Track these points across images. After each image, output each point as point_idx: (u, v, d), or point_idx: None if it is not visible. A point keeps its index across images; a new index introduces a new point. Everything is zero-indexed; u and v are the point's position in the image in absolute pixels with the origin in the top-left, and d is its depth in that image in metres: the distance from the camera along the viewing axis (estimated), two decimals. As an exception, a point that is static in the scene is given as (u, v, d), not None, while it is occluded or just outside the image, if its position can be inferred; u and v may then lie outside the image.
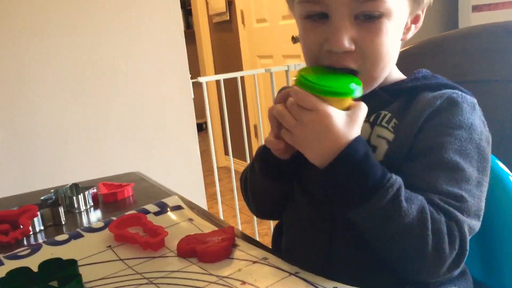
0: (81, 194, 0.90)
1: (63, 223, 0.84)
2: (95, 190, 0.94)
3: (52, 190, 0.93)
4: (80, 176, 1.73)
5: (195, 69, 4.37)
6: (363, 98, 0.63)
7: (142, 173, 1.13)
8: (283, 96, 0.60)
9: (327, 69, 0.60)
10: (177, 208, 0.81)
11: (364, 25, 0.59)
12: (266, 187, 0.70)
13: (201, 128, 5.44)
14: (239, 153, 3.23)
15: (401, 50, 1.03)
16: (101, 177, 1.13)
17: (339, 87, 0.56)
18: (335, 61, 0.60)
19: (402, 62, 1.02)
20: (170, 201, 0.84)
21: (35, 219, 0.81)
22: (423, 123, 0.60)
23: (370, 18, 0.59)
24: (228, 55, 4.00)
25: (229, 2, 3.78)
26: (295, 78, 0.58)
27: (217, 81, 2.30)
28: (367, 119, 0.62)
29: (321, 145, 0.56)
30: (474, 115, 0.61)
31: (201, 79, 2.09)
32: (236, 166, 3.84)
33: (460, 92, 0.63)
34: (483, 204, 0.60)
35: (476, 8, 2.34)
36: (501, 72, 0.88)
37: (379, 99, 0.65)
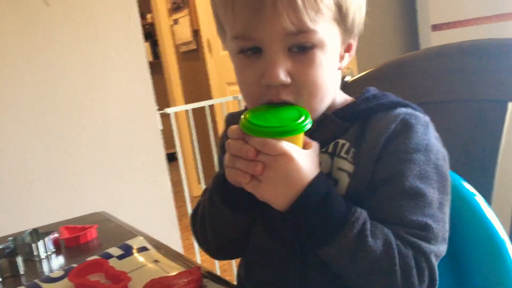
0: (41, 240, 0.86)
1: (22, 273, 0.80)
2: (56, 235, 0.90)
3: (10, 238, 0.89)
4: (42, 219, 1.67)
5: (164, 99, 4.35)
6: (319, 125, 0.64)
7: (107, 212, 1.09)
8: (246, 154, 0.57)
9: (267, 108, 0.60)
10: (142, 249, 0.79)
11: (298, 57, 0.59)
12: (230, 220, 0.67)
13: (174, 157, 5.39)
14: (212, 182, 3.18)
15: (361, 74, 1.04)
16: (65, 219, 1.09)
17: (291, 124, 0.56)
18: (273, 96, 0.59)
19: (363, 87, 1.03)
20: (135, 242, 0.81)
21: (-9, 272, 0.77)
22: (381, 151, 0.60)
23: (303, 50, 0.59)
24: (197, 84, 4.00)
25: (195, 31, 3.80)
26: (241, 125, 0.57)
27: (186, 111, 2.29)
28: (325, 149, 0.62)
29: (287, 187, 0.55)
30: (429, 135, 0.62)
31: (169, 110, 2.07)
32: (211, 194, 3.79)
33: (412, 112, 0.63)
34: (447, 226, 0.61)
35: (436, 27, 2.41)
36: (459, 92, 0.89)
37: (334, 125, 0.64)
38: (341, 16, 0.61)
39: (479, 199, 0.74)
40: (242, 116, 0.58)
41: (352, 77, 1.06)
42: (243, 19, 0.58)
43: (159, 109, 2.04)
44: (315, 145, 0.59)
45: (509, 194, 0.83)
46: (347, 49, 0.68)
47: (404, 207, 0.57)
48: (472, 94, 0.87)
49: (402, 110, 0.62)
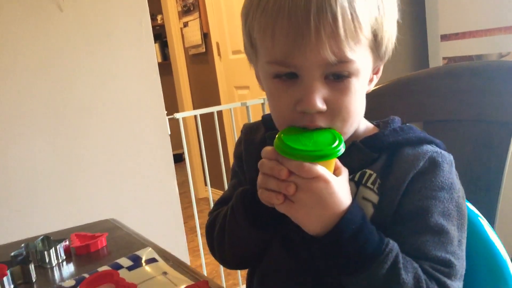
0: (53, 248, 0.88)
1: (34, 281, 0.82)
2: (67, 243, 0.92)
3: (22, 245, 0.91)
4: (53, 220, 1.71)
5: (172, 100, 4.38)
6: (346, 152, 0.63)
7: (116, 219, 1.11)
8: (278, 173, 0.57)
9: (301, 130, 0.60)
10: (151, 261, 0.80)
11: (334, 85, 0.60)
12: (251, 237, 0.67)
13: (181, 158, 5.42)
14: (218, 184, 3.21)
15: (371, 90, 1.06)
16: (76, 221, 1.12)
17: (327, 149, 0.57)
18: (308, 121, 0.60)
19: (372, 102, 1.04)
20: (144, 253, 0.83)
21: (5, 279, 0.79)
22: (407, 186, 0.61)
23: (339, 78, 0.59)
24: (205, 86, 4.02)
25: (205, 35, 3.82)
26: (276, 147, 0.57)
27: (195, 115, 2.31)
28: (352, 177, 0.63)
29: (321, 211, 0.56)
30: (452, 174, 0.64)
31: (178, 115, 2.09)
32: (216, 196, 3.82)
33: (439, 150, 0.64)
34: (465, 263, 0.62)
35: (445, 37, 2.41)
36: (466, 112, 0.90)
37: (363, 154, 0.65)
38: (376, 44, 0.62)
39: (483, 221, 0.75)
40: (277, 137, 0.58)
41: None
42: (283, 46, 0.57)
43: (168, 114, 2.05)
44: (345, 171, 0.60)
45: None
46: (376, 72, 0.69)
47: (429, 242, 0.59)
48: (479, 115, 0.88)
49: (429, 148, 0.64)
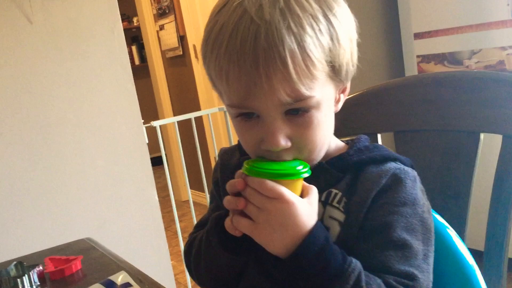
0: (26, 274, 0.87)
1: (7, 310, 0.81)
2: (41, 268, 0.91)
3: (-5, 272, 0.90)
4: (28, 241, 1.68)
5: (152, 103, 4.35)
6: (312, 174, 0.64)
7: (92, 239, 1.11)
8: (235, 185, 0.59)
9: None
10: (125, 286, 0.80)
11: (295, 120, 0.60)
12: (226, 261, 0.68)
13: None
14: (199, 187, 3.21)
15: (341, 100, 1.06)
16: (52, 244, 1.11)
17: (291, 169, 0.58)
18: (275, 157, 0.61)
19: (343, 113, 1.05)
20: (118, 277, 0.82)
21: (-23, 310, 0.78)
22: (371, 203, 0.62)
23: (299, 112, 0.60)
24: (184, 89, 4.01)
25: (181, 37, 3.80)
26: (243, 168, 0.58)
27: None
28: (319, 198, 0.63)
29: (284, 233, 0.56)
30: (416, 189, 0.64)
31: (155, 123, 2.08)
32: (199, 199, 3.81)
33: (402, 167, 0.65)
34: (431, 276, 0.63)
35: (418, 36, 2.44)
36: (434, 122, 0.91)
37: (329, 175, 0.66)
38: (335, 73, 0.62)
39: (451, 232, 0.76)
40: (245, 161, 0.60)
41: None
42: (237, 91, 0.58)
43: (148, 117, 2.04)
44: (314, 190, 0.60)
45: (483, 222, 0.85)
46: (342, 90, 0.69)
47: (392, 256, 0.60)
48: (447, 125, 0.90)
49: (393, 165, 0.65)
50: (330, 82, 0.62)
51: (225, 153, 0.79)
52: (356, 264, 0.58)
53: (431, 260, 0.64)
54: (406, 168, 0.66)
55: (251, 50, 0.56)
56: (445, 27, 2.31)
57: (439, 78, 0.94)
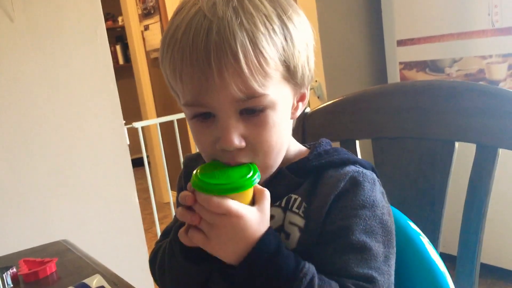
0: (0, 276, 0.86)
1: (-22, 313, 0.80)
2: (14, 270, 0.90)
3: (-33, 274, 0.89)
4: (4, 241, 1.66)
5: (135, 103, 4.32)
6: (273, 180, 0.66)
7: (68, 241, 1.09)
8: (185, 200, 0.59)
9: (219, 163, 0.61)
10: (99, 288, 0.80)
11: (250, 120, 0.60)
12: (189, 271, 0.67)
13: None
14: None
15: (320, 106, 1.08)
16: (27, 245, 1.09)
17: (238, 181, 0.57)
18: (229, 159, 0.61)
19: (321, 120, 1.07)
20: (93, 281, 0.82)
21: None
22: (330, 207, 0.62)
23: (253, 112, 0.60)
24: (168, 90, 3.98)
25: (166, 38, 3.79)
26: (191, 181, 0.58)
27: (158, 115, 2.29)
28: (279, 204, 0.64)
29: (235, 245, 0.57)
30: (375, 192, 0.64)
31: (136, 124, 2.07)
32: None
33: (361, 170, 0.65)
34: (392, 278, 0.64)
35: (401, 43, 2.47)
36: (411, 129, 0.92)
37: (288, 180, 0.66)
38: (290, 74, 0.62)
39: (424, 239, 0.77)
40: (194, 172, 0.59)
41: (311, 107, 1.09)
42: (191, 89, 0.59)
43: (130, 118, 2.03)
44: (266, 195, 0.60)
45: (458, 227, 0.87)
46: (301, 98, 0.69)
47: (351, 260, 0.60)
48: (423, 133, 0.91)
49: (351, 168, 0.65)
50: (286, 84, 0.63)
51: (189, 160, 0.78)
52: (309, 268, 0.58)
53: (392, 262, 0.64)
54: (365, 171, 0.66)
55: (202, 45, 0.56)
56: (427, 35, 2.34)
57: (417, 87, 0.95)
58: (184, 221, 0.59)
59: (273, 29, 0.59)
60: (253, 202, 0.60)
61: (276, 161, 0.65)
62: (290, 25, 0.61)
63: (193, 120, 0.62)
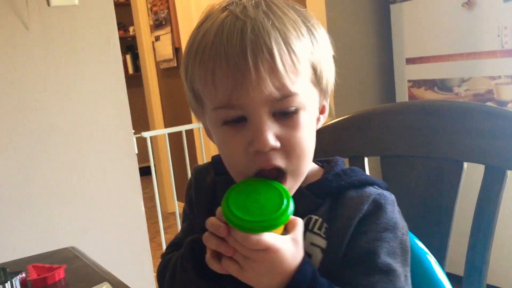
0: (9, 281, 0.87)
1: (-13, 317, 0.81)
2: (24, 275, 0.91)
3: (-23, 277, 0.90)
4: (12, 247, 1.67)
5: (144, 113, 4.36)
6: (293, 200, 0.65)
7: (76, 248, 1.10)
8: (218, 231, 0.58)
9: (248, 189, 0.59)
10: (107, 297, 0.80)
11: (283, 122, 0.60)
12: (200, 287, 0.67)
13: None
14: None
15: (330, 122, 1.09)
16: (36, 251, 1.10)
17: (274, 217, 0.56)
18: (264, 162, 0.60)
19: (332, 135, 1.07)
20: (100, 289, 0.83)
21: (-44, 315, 0.78)
22: (354, 230, 0.63)
23: (286, 114, 0.60)
24: (177, 100, 4.02)
25: (176, 49, 3.82)
26: (223, 213, 0.57)
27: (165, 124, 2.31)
28: None
29: (272, 276, 0.57)
30: (395, 213, 0.66)
31: (145, 134, 2.09)
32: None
33: (381, 192, 0.66)
34: None
35: (410, 61, 2.49)
36: (419, 148, 0.93)
37: (308, 201, 0.66)
38: (317, 78, 0.63)
39: (431, 258, 0.78)
40: (224, 201, 0.57)
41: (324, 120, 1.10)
42: (225, 89, 0.58)
43: (139, 127, 2.05)
44: (299, 223, 0.60)
45: (464, 248, 0.87)
46: (321, 111, 0.70)
47: (379, 283, 0.61)
48: (431, 152, 0.92)
49: (372, 190, 0.66)
50: (313, 87, 0.64)
51: (198, 172, 0.77)
52: None
53: (410, 280, 0.65)
54: (385, 192, 0.66)
55: (238, 42, 0.57)
56: (437, 53, 2.36)
57: (427, 106, 0.96)
58: (216, 249, 0.58)
59: (301, 33, 0.61)
60: (285, 229, 0.59)
61: (306, 170, 0.65)
62: (314, 32, 0.63)
63: (224, 127, 0.61)
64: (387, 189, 0.69)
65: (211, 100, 0.61)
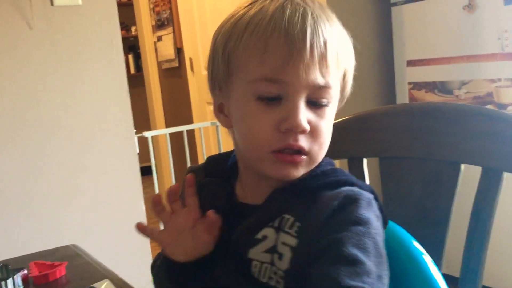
0: (11, 278, 0.88)
1: (-11, 312, 0.82)
2: (25, 272, 0.92)
3: (-20, 274, 0.91)
4: (14, 245, 1.68)
5: (145, 113, 4.37)
6: (267, 200, 0.66)
7: (78, 246, 1.12)
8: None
9: None
10: (108, 293, 0.82)
11: (313, 111, 0.62)
12: None
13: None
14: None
15: (330, 124, 1.09)
16: (37, 248, 1.11)
17: None
18: (293, 140, 0.61)
19: (334, 135, 1.08)
20: (101, 286, 0.84)
21: (-41, 310, 0.79)
22: (322, 225, 0.61)
23: (317, 105, 0.62)
24: (178, 101, 4.03)
25: (178, 50, 3.84)
26: None
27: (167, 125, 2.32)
28: (272, 224, 0.64)
29: None
30: (370, 211, 0.63)
31: (147, 134, 2.10)
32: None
33: (357, 189, 0.65)
34: None
35: (410, 63, 2.49)
36: (418, 150, 0.94)
37: (283, 201, 0.65)
38: (343, 84, 0.66)
39: (427, 258, 0.78)
40: None
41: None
42: (275, 63, 0.59)
43: (140, 127, 2.06)
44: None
45: (461, 249, 0.88)
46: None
47: (343, 272, 0.57)
48: (429, 153, 0.92)
49: (348, 188, 0.64)
50: (339, 87, 0.66)
51: (191, 172, 0.76)
52: None
53: (386, 281, 0.61)
54: (362, 191, 0.65)
55: (299, 22, 0.59)
56: (437, 56, 2.37)
57: (425, 109, 0.97)
58: None
59: (346, 38, 0.66)
60: None
61: (321, 158, 0.66)
62: (352, 43, 0.67)
63: (256, 102, 0.61)
64: (371, 192, 0.67)
65: (254, 72, 0.61)
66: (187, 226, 0.67)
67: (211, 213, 0.65)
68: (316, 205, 0.63)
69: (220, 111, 0.69)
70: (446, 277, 0.78)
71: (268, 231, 0.63)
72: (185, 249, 0.66)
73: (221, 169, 0.73)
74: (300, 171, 0.64)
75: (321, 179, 0.66)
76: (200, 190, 0.69)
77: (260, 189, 0.67)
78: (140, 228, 0.69)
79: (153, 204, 0.68)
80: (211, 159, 0.75)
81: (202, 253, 0.66)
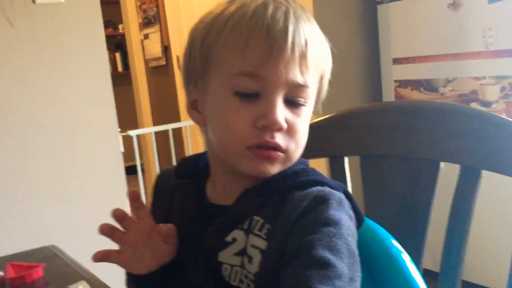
0: (-14, 279, 0.87)
1: (-37, 315, 0.80)
2: (1, 273, 0.91)
3: (-46, 276, 0.89)
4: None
5: (132, 111, 4.35)
6: (237, 201, 0.64)
7: (57, 247, 1.10)
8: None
9: None
10: (84, 295, 0.81)
11: (290, 109, 0.62)
12: None
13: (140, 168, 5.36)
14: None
15: (311, 122, 1.09)
16: (15, 250, 1.10)
17: None
18: (269, 137, 0.61)
19: (312, 134, 1.08)
20: (77, 287, 0.83)
21: None
22: (292, 227, 0.60)
23: (294, 104, 0.62)
24: (165, 99, 4.01)
25: (165, 47, 3.82)
26: None
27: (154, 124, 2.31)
28: (241, 226, 0.63)
29: None
30: (341, 211, 0.61)
31: (131, 133, 2.08)
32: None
33: (328, 189, 0.63)
34: None
35: (397, 61, 2.50)
36: (398, 148, 0.94)
37: (252, 202, 0.64)
38: (321, 82, 0.66)
39: (405, 256, 0.78)
40: None
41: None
42: (255, 58, 0.59)
43: (127, 125, 2.04)
44: None
45: (439, 248, 0.88)
46: None
47: (313, 276, 0.55)
48: (409, 152, 0.93)
49: (318, 188, 0.63)
50: (316, 90, 0.66)
51: (163, 175, 0.77)
52: None
53: (357, 284, 0.59)
54: (332, 191, 0.63)
55: (281, 20, 0.60)
56: (423, 54, 2.38)
57: (405, 107, 0.97)
58: None
59: (324, 40, 0.66)
60: None
61: (297, 157, 0.65)
62: (329, 47, 0.67)
63: (234, 97, 0.61)
64: (343, 191, 0.66)
65: (232, 67, 0.61)
66: (142, 239, 0.66)
67: (161, 226, 0.64)
68: (286, 206, 0.62)
69: (194, 107, 0.68)
70: (430, 273, 0.78)
71: (237, 234, 0.62)
72: (145, 262, 0.66)
73: (193, 170, 0.71)
74: (276, 168, 0.63)
75: (291, 179, 0.65)
76: (172, 192, 0.68)
77: (232, 190, 0.66)
78: (96, 258, 0.70)
79: (131, 200, 0.68)
80: (183, 161, 0.73)
81: (164, 261, 0.66)
